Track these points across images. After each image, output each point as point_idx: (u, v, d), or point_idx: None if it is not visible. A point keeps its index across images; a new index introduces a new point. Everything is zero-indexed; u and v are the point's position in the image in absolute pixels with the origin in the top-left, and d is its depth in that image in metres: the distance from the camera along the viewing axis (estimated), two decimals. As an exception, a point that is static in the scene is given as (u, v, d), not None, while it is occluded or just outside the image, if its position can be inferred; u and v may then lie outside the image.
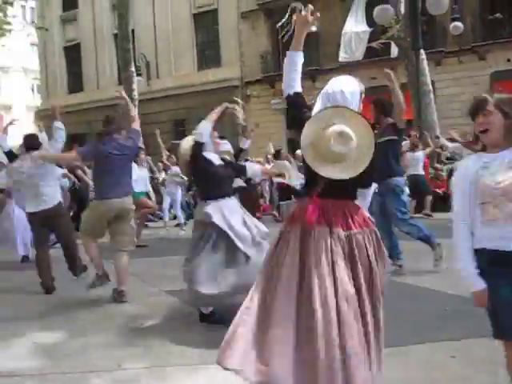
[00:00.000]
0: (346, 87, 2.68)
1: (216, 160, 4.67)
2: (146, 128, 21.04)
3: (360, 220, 2.55)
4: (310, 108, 2.75)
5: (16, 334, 4.50)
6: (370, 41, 19.53)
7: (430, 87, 14.23)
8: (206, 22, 23.83)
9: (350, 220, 2.52)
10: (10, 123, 7.50)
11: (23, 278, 6.91)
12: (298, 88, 2.81)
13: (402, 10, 14.57)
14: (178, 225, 11.94)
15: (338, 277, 2.41)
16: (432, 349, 3.69)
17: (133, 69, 17.04)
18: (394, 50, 17.33)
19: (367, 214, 2.64)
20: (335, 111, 2.52)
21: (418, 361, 3.50)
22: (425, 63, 13.92)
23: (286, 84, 2.78)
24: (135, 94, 17.08)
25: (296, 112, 2.77)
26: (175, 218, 12.62)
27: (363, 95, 2.73)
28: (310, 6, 2.64)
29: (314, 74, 21.27)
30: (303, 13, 2.63)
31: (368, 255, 2.49)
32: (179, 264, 7.22)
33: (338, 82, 2.77)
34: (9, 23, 22.18)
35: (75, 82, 27.71)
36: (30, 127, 42.04)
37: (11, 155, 7.09)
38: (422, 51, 13.48)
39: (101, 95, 25.42)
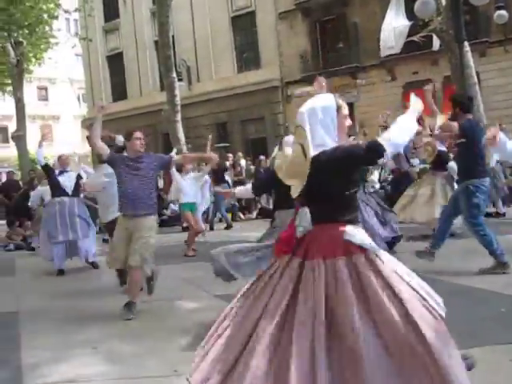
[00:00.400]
0: (307, 106, 2.54)
1: None
2: (190, 131, 21.47)
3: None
4: None
5: (76, 340, 4.69)
6: (410, 34, 19.21)
7: (476, 79, 13.86)
8: (244, 25, 23.96)
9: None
10: (43, 139, 8.16)
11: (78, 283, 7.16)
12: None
13: (443, 1, 14.24)
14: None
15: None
16: (488, 352, 3.60)
17: (174, 75, 17.30)
18: (436, 43, 16.97)
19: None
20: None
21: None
22: (469, 55, 13.57)
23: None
24: (177, 99, 17.34)
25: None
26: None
27: (343, 110, 2.60)
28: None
29: (355, 70, 21.10)
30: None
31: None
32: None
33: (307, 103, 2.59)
34: (54, 37, 22.93)
35: (119, 90, 28.34)
36: (78, 135, 43.35)
37: (47, 168, 7.68)
38: (465, 43, 13.15)
39: (144, 102, 25.93)
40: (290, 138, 4.58)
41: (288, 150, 2.52)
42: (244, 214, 14.99)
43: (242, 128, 23.80)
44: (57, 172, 8.17)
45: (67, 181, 8.17)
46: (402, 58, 19.61)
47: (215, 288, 6.13)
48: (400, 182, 11.80)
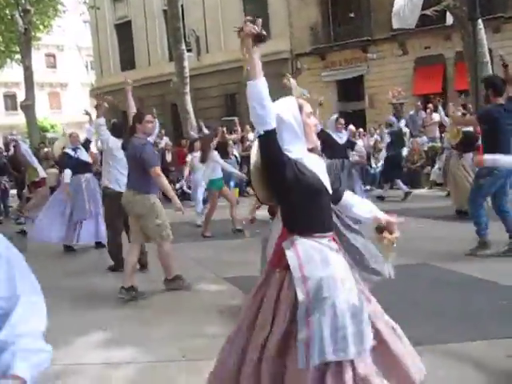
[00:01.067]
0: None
1: None
2: (198, 103, 21.39)
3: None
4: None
5: (86, 320, 4.84)
6: (424, 8, 18.86)
7: (488, 58, 13.67)
8: (254, -5, 23.60)
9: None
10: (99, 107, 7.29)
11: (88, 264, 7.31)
12: (272, 123, 2.37)
13: (458, -24, 13.95)
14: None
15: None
16: (486, 347, 3.65)
17: (183, 47, 17.17)
18: (450, 18, 16.68)
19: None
20: None
21: (471, 359, 3.47)
22: (482, 33, 13.35)
23: (256, 122, 2.36)
24: (186, 70, 17.25)
25: (272, 153, 2.39)
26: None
27: (305, 108, 2.55)
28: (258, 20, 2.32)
29: (366, 44, 20.83)
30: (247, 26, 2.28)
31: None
32: (234, 248, 7.48)
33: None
34: (62, 4, 22.73)
35: (127, 59, 28.14)
36: (86, 103, 43.26)
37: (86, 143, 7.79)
38: (479, 21, 12.93)
39: (152, 72, 25.76)
40: None
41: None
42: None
43: (251, 99, 23.65)
44: (71, 149, 8.18)
45: (85, 156, 8.26)
46: (414, 32, 19.27)
47: (224, 270, 6.27)
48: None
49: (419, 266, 5.84)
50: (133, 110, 6.11)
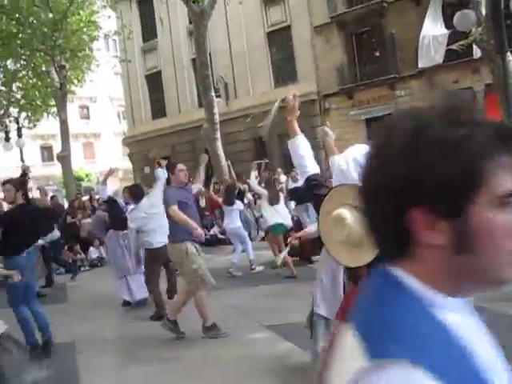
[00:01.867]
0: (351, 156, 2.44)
1: None
2: (228, 147, 21.67)
3: None
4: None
5: (133, 375, 4.81)
6: (449, 43, 18.95)
7: (520, 90, 13.55)
8: (279, 40, 24.07)
9: None
10: (110, 173, 8.09)
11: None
12: (312, 169, 2.90)
13: (483, 10, 14.02)
14: None
15: None
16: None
17: (213, 93, 17.56)
18: (477, 51, 16.70)
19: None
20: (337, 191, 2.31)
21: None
22: (512, 65, 13.29)
23: (300, 171, 2.83)
24: (216, 116, 17.58)
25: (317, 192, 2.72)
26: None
27: None
28: (295, 93, 2.74)
29: (393, 81, 20.92)
30: (290, 101, 2.67)
31: None
32: (271, 295, 7.42)
33: (347, 153, 2.54)
34: (96, 60, 23.63)
35: (158, 108, 28.84)
36: (119, 151, 44.28)
37: (111, 200, 7.78)
38: (508, 53, 12.90)
39: (183, 119, 26.32)
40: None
41: (344, 213, 2.16)
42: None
43: (281, 142, 23.85)
44: (122, 203, 8.40)
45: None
46: (442, 67, 19.34)
47: (264, 317, 6.20)
48: None
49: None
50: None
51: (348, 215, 2.16)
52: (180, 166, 5.72)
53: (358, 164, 2.34)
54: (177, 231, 5.57)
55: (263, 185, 10.03)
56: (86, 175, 42.27)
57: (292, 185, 10.24)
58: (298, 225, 10.06)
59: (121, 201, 8.62)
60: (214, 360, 5.02)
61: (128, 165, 32.77)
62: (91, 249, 12.89)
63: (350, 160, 2.45)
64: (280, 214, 9.00)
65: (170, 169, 5.78)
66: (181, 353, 5.32)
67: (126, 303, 7.81)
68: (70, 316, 7.52)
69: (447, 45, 19.17)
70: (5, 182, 6.05)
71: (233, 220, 9.45)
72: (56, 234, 10.27)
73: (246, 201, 11.38)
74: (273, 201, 8.99)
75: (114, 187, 8.77)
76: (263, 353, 5.04)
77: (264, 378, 4.40)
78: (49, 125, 31.62)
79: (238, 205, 9.72)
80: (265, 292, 7.70)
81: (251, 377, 4.46)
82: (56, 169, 35.46)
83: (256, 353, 5.06)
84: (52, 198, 13.27)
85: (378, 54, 21.94)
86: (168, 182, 5.97)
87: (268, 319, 6.05)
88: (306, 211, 10.21)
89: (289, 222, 9.34)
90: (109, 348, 5.74)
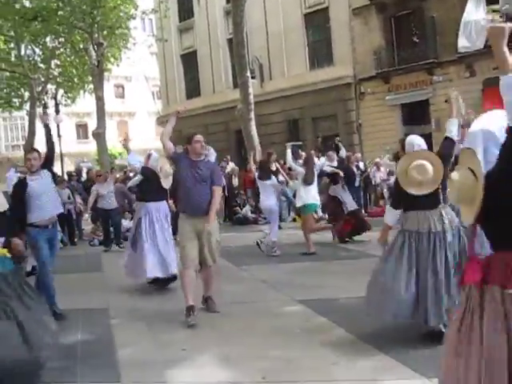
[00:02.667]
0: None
1: None
2: (262, 128, 21.63)
3: None
4: None
5: (165, 341, 4.91)
6: (491, 28, 18.39)
7: None
8: (317, 21, 23.80)
9: None
10: (125, 141, 7.85)
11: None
12: None
13: (531, -7, 13.57)
14: None
15: None
16: None
17: (248, 73, 17.50)
18: (520, 37, 16.18)
19: None
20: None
21: None
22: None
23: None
24: (251, 97, 17.54)
25: None
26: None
27: None
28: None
29: (431, 67, 20.50)
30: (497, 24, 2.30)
31: None
32: (304, 271, 7.43)
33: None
34: (133, 38, 23.79)
35: (192, 88, 28.94)
36: (152, 131, 44.59)
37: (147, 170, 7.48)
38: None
39: (217, 99, 26.36)
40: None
41: (454, 175, 2.32)
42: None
43: (314, 125, 23.71)
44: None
45: None
46: (482, 53, 18.74)
47: (295, 292, 6.23)
48: None
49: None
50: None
51: (461, 174, 2.32)
52: (197, 137, 5.68)
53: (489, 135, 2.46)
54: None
55: (300, 162, 10.03)
56: (120, 153, 42.81)
57: (325, 164, 10.18)
58: (336, 203, 10.11)
59: None
60: (247, 330, 5.07)
61: (161, 144, 33.02)
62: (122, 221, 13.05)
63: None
64: (311, 193, 9.10)
65: (188, 139, 5.76)
66: (214, 322, 5.39)
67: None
68: (104, 284, 7.69)
69: (489, 30, 18.64)
70: (33, 149, 6.14)
71: (268, 196, 9.43)
72: None
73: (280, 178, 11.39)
74: (308, 180, 9.01)
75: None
76: (296, 325, 5.07)
77: (295, 348, 4.44)
78: (85, 103, 32.06)
79: (273, 180, 9.70)
80: (295, 269, 7.74)
81: (284, 347, 4.50)
82: (90, 146, 36.05)
83: (288, 325, 5.09)
84: (88, 171, 13.49)
85: (416, 38, 21.48)
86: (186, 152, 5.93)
87: (300, 294, 6.07)
88: (344, 190, 10.19)
89: (318, 202, 9.61)
90: (142, 315, 5.85)
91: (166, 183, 7.25)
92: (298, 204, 9.42)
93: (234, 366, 4.20)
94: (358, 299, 5.82)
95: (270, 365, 4.14)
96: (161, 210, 7.16)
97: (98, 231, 12.40)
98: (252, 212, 14.83)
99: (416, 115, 21.40)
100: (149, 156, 7.49)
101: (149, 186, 7.17)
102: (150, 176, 7.21)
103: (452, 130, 4.73)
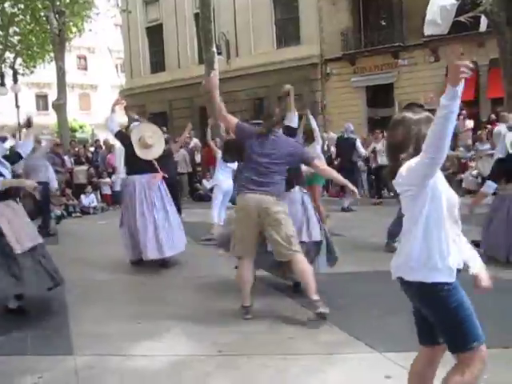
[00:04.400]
0: None
1: None
2: (227, 106, 21.32)
3: None
4: None
5: (120, 314, 4.84)
6: (458, 14, 18.61)
7: (525, 64, 13.43)
8: (285, -1, 23.61)
9: None
10: (117, 102, 7.05)
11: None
12: None
13: (495, -19, 13.75)
14: None
15: None
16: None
17: (214, 49, 17.24)
18: (484, 25, 16.40)
19: None
20: None
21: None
22: (520, 38, 13.13)
23: None
24: (216, 73, 17.29)
25: None
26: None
27: None
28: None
29: (397, 50, 20.63)
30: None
31: None
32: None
33: None
34: (95, 7, 23.09)
35: (157, 62, 28.38)
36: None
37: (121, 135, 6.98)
38: (517, 26, 12.72)
39: (182, 74, 25.93)
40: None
41: None
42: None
43: (280, 104, 23.62)
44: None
45: None
46: (447, 39, 19.01)
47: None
48: None
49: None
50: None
51: None
52: None
53: None
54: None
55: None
56: (81, 126, 41.85)
57: None
58: None
59: None
60: (203, 304, 5.04)
61: (124, 119, 32.44)
62: (82, 196, 12.88)
63: None
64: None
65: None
66: (170, 296, 5.35)
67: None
68: (60, 257, 7.50)
69: (455, 16, 18.86)
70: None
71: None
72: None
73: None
74: None
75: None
76: (253, 300, 5.07)
77: (252, 323, 4.44)
78: (45, 73, 31.10)
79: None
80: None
81: (240, 321, 4.49)
82: (50, 118, 35.03)
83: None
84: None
85: (384, 21, 21.56)
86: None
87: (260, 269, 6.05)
88: None
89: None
90: (97, 288, 5.76)
91: (144, 154, 6.60)
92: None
93: (189, 339, 4.18)
94: (318, 275, 5.88)
95: (225, 339, 4.13)
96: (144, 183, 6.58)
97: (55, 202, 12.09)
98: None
99: (380, 98, 21.60)
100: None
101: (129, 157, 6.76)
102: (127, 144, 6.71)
103: (294, 120, 5.36)
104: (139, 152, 6.54)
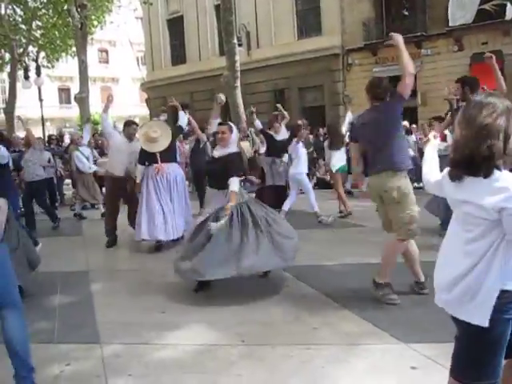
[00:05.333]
0: None
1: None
2: (247, 98, 21.42)
3: None
4: None
5: (147, 305, 4.88)
6: (481, 3, 18.29)
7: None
8: (306, -11, 23.42)
9: None
10: (109, 101, 7.63)
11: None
12: None
13: (522, -33, 13.46)
14: None
15: None
16: None
17: (235, 40, 17.19)
18: (510, 12, 16.14)
19: None
20: None
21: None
22: (547, 26, 12.85)
23: None
24: (237, 64, 17.27)
25: None
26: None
27: None
28: None
29: (420, 39, 20.34)
30: None
31: None
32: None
33: None
34: (118, 0, 23.21)
35: (178, 54, 28.47)
36: (136, 97, 43.94)
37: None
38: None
39: (203, 66, 25.98)
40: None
41: None
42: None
43: (300, 96, 23.53)
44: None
45: None
46: (471, 28, 18.74)
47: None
48: None
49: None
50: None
51: None
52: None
53: None
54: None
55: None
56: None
57: None
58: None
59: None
60: (226, 295, 5.05)
61: (145, 111, 32.61)
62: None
63: None
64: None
65: None
66: (193, 286, 5.37)
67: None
68: (85, 248, 7.62)
69: (479, 4, 18.53)
70: None
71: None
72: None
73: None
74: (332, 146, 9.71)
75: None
76: (276, 291, 5.08)
77: (275, 313, 4.45)
78: (68, 66, 31.44)
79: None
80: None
81: (264, 312, 4.51)
82: (73, 111, 35.46)
83: (269, 290, 5.10)
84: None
85: (406, 10, 21.25)
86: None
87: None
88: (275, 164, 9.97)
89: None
90: (122, 278, 5.83)
91: (150, 147, 7.10)
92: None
93: (213, 329, 4.19)
94: (340, 266, 5.87)
95: (249, 329, 4.14)
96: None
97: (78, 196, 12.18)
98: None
99: (403, 88, 21.34)
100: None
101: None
102: None
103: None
104: (144, 145, 7.09)
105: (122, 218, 7.86)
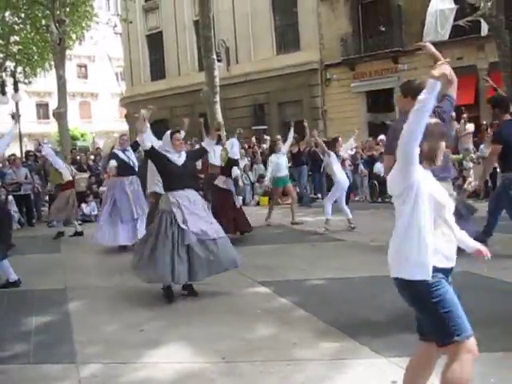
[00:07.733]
0: None
1: None
2: (227, 113, 21.47)
3: None
4: None
5: (126, 322, 4.81)
6: (457, 18, 18.65)
7: (526, 68, 13.45)
8: (284, 5, 23.64)
9: None
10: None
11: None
12: None
13: (494, -15, 13.77)
14: None
15: None
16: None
17: (214, 56, 17.24)
18: (485, 28, 16.42)
19: None
20: None
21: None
22: (520, 42, 13.15)
23: None
24: (217, 80, 17.32)
25: None
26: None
27: None
28: None
29: (397, 55, 20.65)
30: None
31: None
32: (270, 253, 7.39)
33: None
34: (96, 16, 23.16)
35: (157, 70, 28.45)
36: (115, 113, 43.72)
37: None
38: (516, 29, 12.73)
39: (182, 82, 25.99)
40: None
41: None
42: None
43: (280, 110, 23.66)
44: (120, 151, 8.34)
45: (133, 159, 8.43)
46: (446, 43, 19.01)
47: (257, 274, 6.20)
48: None
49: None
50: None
51: None
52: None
53: None
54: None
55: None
56: (82, 135, 41.92)
57: None
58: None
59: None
60: (207, 311, 5.02)
61: (124, 126, 32.45)
62: (83, 204, 12.79)
63: None
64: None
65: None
66: (173, 303, 5.31)
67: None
68: (62, 265, 7.51)
69: (454, 20, 18.90)
70: None
71: None
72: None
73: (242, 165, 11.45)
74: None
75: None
76: (256, 307, 5.04)
77: (256, 329, 4.41)
78: (45, 82, 31.19)
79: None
80: (258, 251, 7.68)
81: (244, 328, 4.46)
82: (51, 127, 35.12)
83: (249, 306, 5.06)
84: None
85: (383, 26, 21.59)
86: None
87: (261, 276, 6.05)
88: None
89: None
90: (100, 295, 5.74)
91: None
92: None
93: (193, 346, 4.14)
94: (320, 281, 5.86)
95: (229, 345, 4.09)
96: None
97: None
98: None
99: (380, 103, 21.60)
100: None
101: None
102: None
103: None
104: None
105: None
